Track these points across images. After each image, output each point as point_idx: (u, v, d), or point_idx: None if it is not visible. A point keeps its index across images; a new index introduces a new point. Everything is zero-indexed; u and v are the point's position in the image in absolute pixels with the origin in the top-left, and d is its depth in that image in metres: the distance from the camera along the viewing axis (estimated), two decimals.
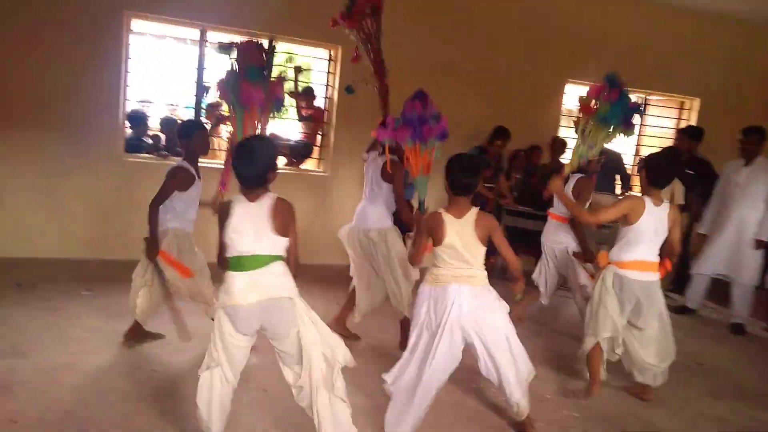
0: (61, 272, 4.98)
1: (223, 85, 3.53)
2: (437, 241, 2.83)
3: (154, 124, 6.14)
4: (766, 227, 4.98)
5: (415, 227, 3.30)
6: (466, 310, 2.77)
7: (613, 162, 6.50)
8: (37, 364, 3.31)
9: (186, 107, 6.40)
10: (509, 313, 2.90)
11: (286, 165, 6.39)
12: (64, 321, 3.97)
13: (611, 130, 3.65)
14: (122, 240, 5.21)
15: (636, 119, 3.63)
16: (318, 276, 5.21)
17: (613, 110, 3.59)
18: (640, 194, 3.34)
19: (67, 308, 4.20)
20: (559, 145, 6.61)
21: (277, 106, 3.70)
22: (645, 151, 7.57)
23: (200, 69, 5.78)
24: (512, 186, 6.43)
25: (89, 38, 5.24)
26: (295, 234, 2.50)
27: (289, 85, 6.46)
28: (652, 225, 3.23)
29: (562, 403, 3.44)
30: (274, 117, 3.71)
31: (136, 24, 5.59)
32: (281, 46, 6.30)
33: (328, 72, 6.30)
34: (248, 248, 2.40)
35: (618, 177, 6.81)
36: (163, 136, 6.00)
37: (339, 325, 4.01)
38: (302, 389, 2.50)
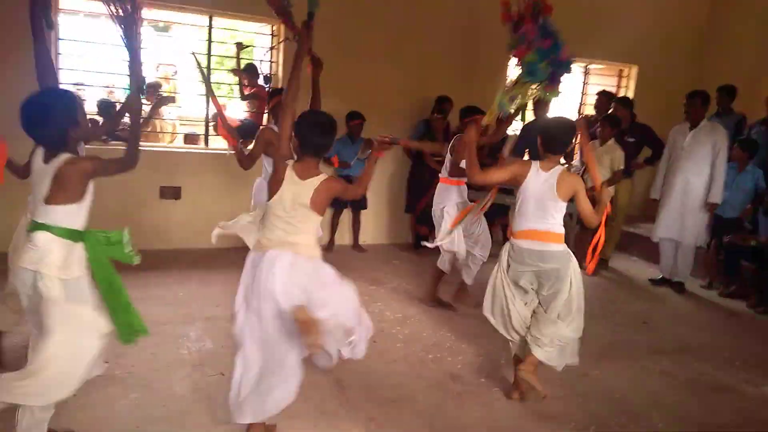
0: None
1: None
2: (270, 191, 2.53)
3: (91, 108, 5.88)
4: (715, 190, 5.15)
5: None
6: (281, 280, 2.42)
7: None
8: None
9: (124, 89, 6.16)
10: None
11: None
12: None
13: (536, 85, 3.34)
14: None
15: (564, 78, 3.41)
16: None
17: (540, 57, 3.28)
18: (528, 160, 3.21)
19: None
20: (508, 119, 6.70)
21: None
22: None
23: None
24: None
25: (14, 18, 4.92)
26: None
27: (230, 63, 6.31)
28: (537, 190, 3.05)
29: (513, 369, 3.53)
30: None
31: (66, 2, 5.29)
32: (221, 23, 6.12)
33: (271, 48, 6.17)
34: (32, 211, 2.31)
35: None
36: (101, 120, 5.75)
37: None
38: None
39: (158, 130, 5.86)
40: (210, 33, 5.80)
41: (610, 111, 6.16)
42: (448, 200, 4.28)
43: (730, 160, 5.28)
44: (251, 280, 2.50)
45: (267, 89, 6.15)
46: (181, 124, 7.14)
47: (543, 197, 3.04)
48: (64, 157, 2.23)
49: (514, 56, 3.38)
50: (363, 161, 5.89)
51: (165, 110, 6.05)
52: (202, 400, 2.95)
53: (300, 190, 2.47)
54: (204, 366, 3.31)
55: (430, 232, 6.27)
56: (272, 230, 2.51)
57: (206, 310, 4.04)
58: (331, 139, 2.57)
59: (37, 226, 2.24)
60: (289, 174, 2.49)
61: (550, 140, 3.09)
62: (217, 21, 5.96)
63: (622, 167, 5.59)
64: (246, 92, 6.19)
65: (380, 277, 5.14)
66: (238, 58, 6.20)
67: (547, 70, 3.28)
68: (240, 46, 6.26)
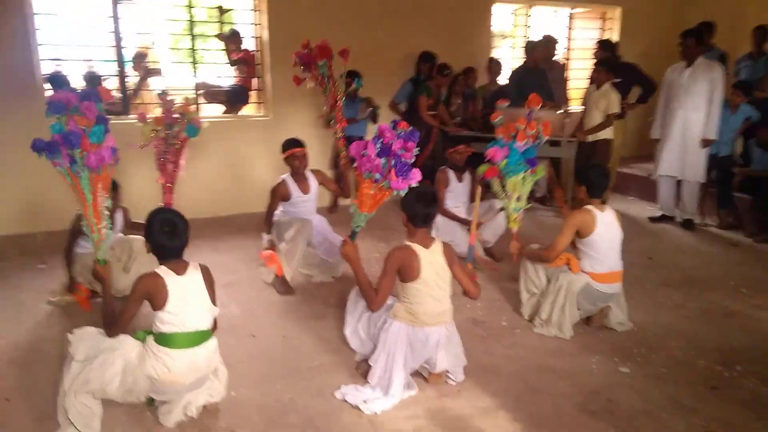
0: (9, 249, 4.73)
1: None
2: (410, 276, 2.69)
3: (77, 83, 5.68)
4: (710, 126, 5.21)
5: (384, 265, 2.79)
6: (443, 352, 2.78)
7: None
8: (18, 342, 3.21)
9: (104, 61, 5.95)
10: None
11: (224, 113, 6.15)
12: (29, 297, 3.82)
13: (522, 178, 3.58)
14: (62, 211, 4.92)
15: (533, 157, 3.54)
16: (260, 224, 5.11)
17: (511, 159, 3.53)
18: (586, 208, 3.32)
19: (29, 284, 4.05)
20: (496, 65, 6.70)
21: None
22: (573, 65, 7.78)
23: (116, 18, 5.37)
24: (453, 111, 6.47)
25: None
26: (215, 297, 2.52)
27: (214, 28, 6.15)
28: (611, 230, 3.31)
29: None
30: None
31: None
32: None
33: (254, 10, 6.00)
34: (193, 324, 2.35)
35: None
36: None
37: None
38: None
39: (142, 101, 5.71)
40: None
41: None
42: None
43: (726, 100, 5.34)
44: (411, 351, 2.72)
45: (253, 52, 6.03)
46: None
47: (615, 234, 3.34)
48: (194, 264, 2.49)
49: (486, 177, 3.64)
50: (364, 120, 5.87)
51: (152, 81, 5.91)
52: (243, 362, 2.99)
53: (433, 258, 2.72)
54: (236, 329, 3.36)
55: None
56: (423, 304, 2.70)
57: (223, 277, 4.03)
58: (436, 208, 2.82)
59: (208, 334, 2.44)
60: (417, 248, 2.70)
61: (594, 188, 3.35)
62: None
63: (617, 110, 5.63)
64: (233, 57, 6.05)
65: (388, 235, 5.15)
66: (221, 23, 6.04)
67: (522, 162, 3.53)
68: (221, 11, 6.09)
